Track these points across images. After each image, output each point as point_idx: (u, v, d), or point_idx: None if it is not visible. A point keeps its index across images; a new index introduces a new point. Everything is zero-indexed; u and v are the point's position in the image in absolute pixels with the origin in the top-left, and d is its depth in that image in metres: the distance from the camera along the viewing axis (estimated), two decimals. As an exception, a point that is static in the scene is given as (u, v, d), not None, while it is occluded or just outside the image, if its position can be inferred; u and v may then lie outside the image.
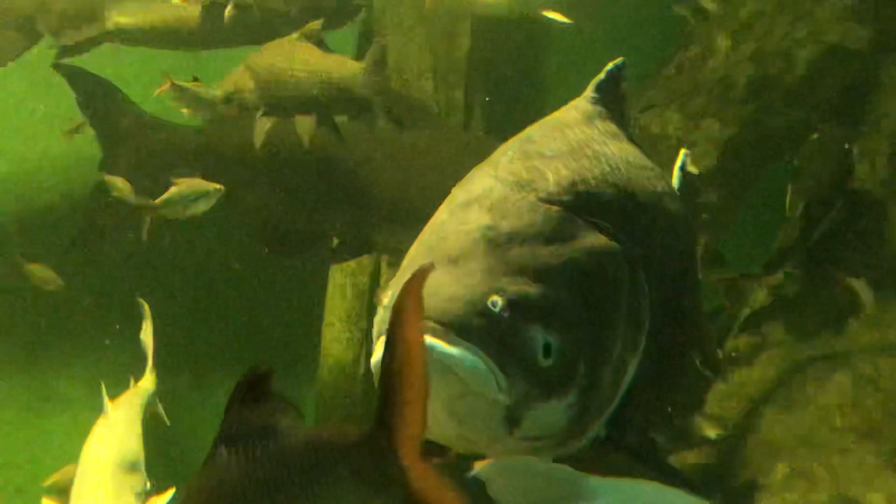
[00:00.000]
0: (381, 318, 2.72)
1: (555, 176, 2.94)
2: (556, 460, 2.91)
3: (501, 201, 2.85)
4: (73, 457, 5.23)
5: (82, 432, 5.33)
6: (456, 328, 2.62)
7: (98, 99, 6.29)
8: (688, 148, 6.28)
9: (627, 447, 2.98)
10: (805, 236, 5.69)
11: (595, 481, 2.86)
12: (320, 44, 5.09)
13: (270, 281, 6.69)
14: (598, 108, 3.26)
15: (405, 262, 2.83)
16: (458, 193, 2.94)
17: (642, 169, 3.22)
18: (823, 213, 5.67)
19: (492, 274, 2.71)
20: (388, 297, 2.73)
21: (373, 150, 5.75)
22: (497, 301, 2.67)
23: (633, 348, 2.92)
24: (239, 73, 5.25)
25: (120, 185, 5.50)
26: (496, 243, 2.76)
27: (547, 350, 2.68)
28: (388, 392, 1.90)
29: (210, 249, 6.73)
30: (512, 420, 2.67)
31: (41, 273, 6.31)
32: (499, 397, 2.64)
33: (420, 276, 2.02)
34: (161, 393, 5.79)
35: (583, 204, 2.93)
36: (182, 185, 5.21)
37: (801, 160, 6.01)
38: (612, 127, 3.26)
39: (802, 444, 4.93)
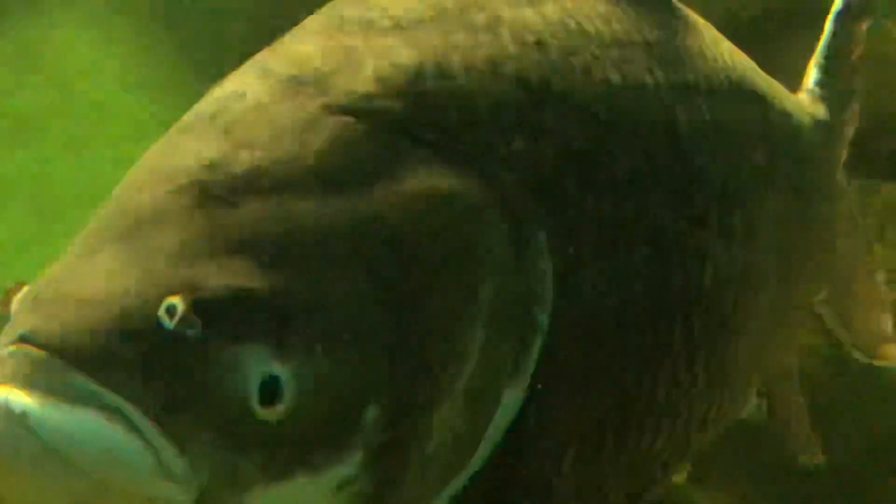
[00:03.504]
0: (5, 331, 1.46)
1: (378, 64, 1.60)
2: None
3: (251, 116, 1.54)
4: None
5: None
6: (82, 362, 1.37)
7: None
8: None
9: None
10: None
11: None
12: None
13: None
14: None
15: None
16: (199, 104, 1.64)
17: (627, 47, 1.83)
18: None
19: (185, 255, 1.43)
20: (18, 301, 1.48)
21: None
22: (175, 306, 1.38)
23: (512, 367, 1.61)
24: None
25: None
26: (217, 195, 1.47)
27: (271, 390, 1.41)
28: None
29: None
30: None
31: None
32: (165, 491, 1.38)
33: None
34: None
35: (428, 114, 1.59)
36: None
37: None
38: None
39: None
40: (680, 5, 2.03)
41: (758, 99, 2.12)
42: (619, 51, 1.81)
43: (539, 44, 1.72)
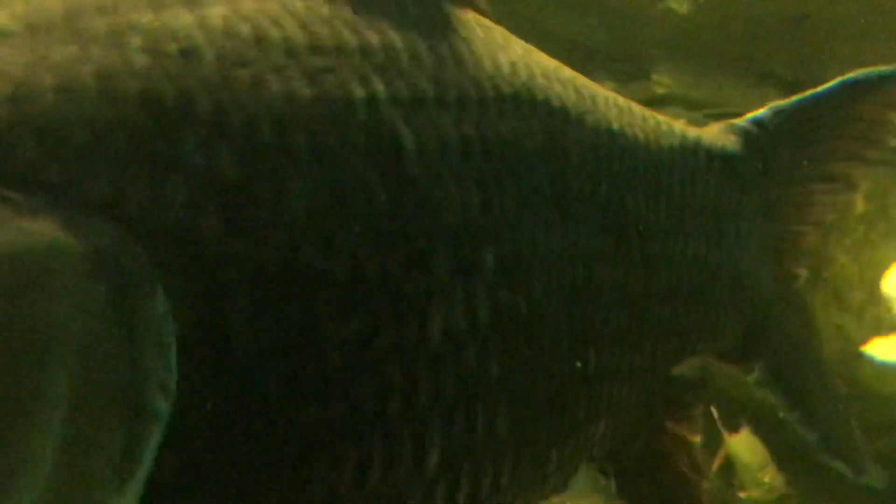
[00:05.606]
0: None
1: None
2: None
3: None
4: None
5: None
6: None
7: None
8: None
9: None
10: None
11: None
12: None
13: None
14: None
15: None
16: None
17: (332, 55, 1.46)
18: None
19: None
20: None
21: None
22: None
23: (119, 471, 1.22)
24: None
25: None
26: None
27: None
28: None
29: None
30: None
31: None
32: None
33: None
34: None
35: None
36: None
37: None
38: None
39: None
40: (447, 6, 1.67)
41: (549, 112, 1.70)
42: (317, 60, 1.43)
43: (185, 54, 1.36)
